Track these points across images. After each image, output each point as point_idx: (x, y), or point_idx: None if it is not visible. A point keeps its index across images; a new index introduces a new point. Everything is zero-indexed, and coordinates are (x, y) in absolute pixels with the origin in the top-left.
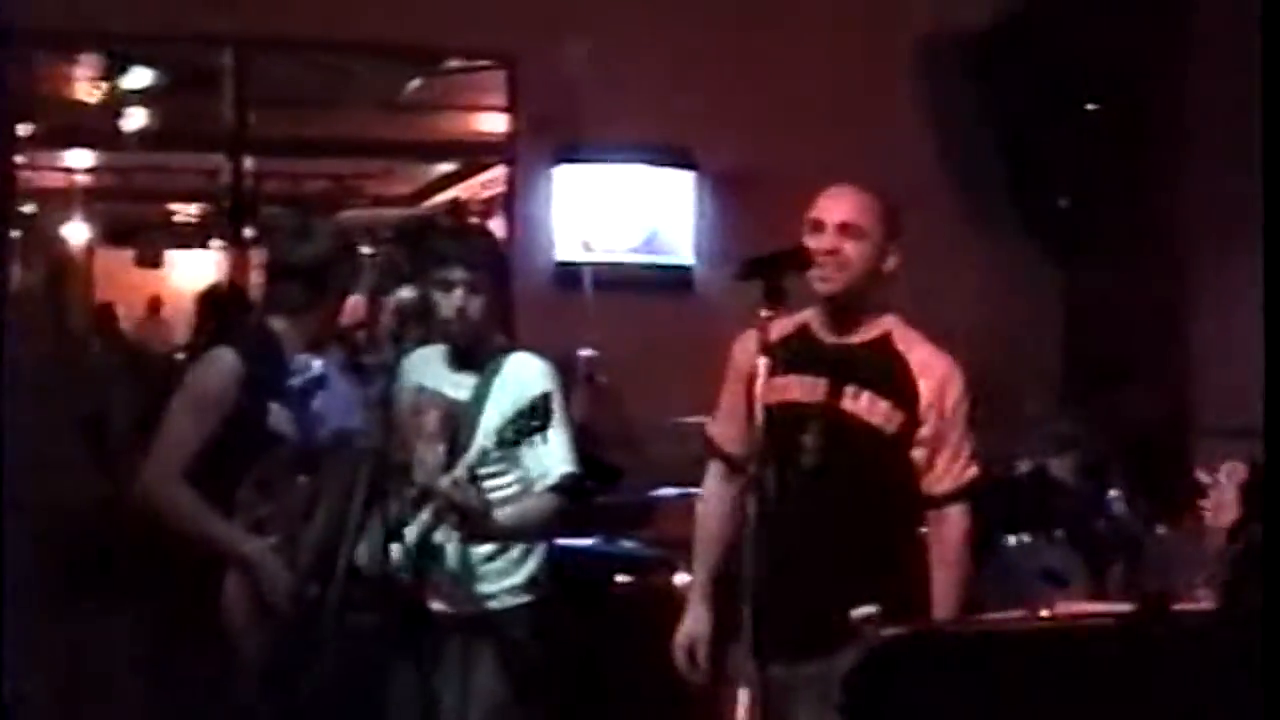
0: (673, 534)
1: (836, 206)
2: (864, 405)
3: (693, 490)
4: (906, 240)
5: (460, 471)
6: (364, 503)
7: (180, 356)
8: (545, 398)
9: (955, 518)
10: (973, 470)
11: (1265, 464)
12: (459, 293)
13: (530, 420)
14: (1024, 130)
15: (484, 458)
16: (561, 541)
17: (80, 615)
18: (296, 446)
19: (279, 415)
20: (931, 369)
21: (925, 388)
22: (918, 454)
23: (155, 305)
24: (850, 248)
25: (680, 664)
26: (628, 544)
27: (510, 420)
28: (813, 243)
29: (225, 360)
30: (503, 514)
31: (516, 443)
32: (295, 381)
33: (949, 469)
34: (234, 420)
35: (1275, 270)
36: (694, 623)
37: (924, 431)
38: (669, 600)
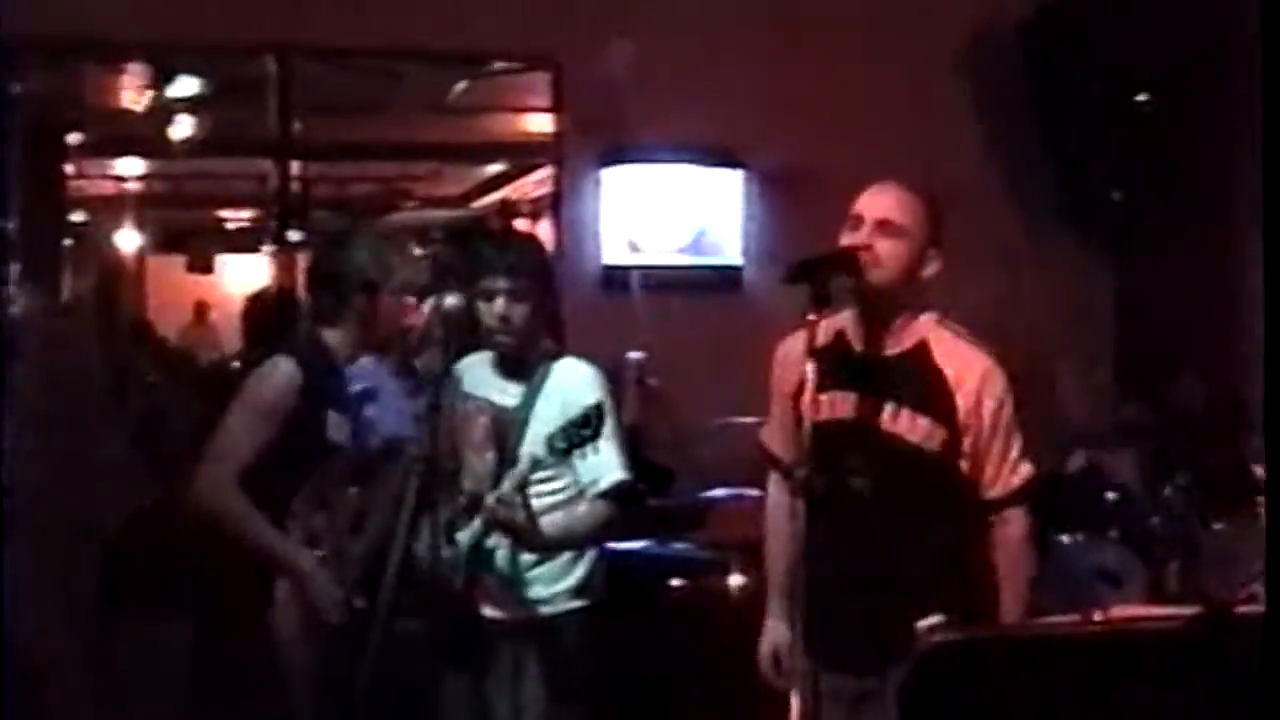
0: (726, 536)
1: (877, 202)
2: (904, 424)
3: (745, 491)
4: (956, 237)
5: (507, 488)
6: (413, 512)
7: (235, 365)
8: (597, 407)
9: (1012, 522)
10: (1024, 472)
11: (1266, 462)
12: (501, 301)
13: (581, 429)
14: (1074, 124)
15: (535, 467)
16: (613, 545)
17: (130, 622)
18: (350, 456)
19: (335, 424)
20: (967, 377)
21: (962, 399)
22: (967, 465)
23: (202, 311)
24: (887, 246)
25: (766, 672)
26: (680, 546)
27: (561, 429)
28: (849, 239)
29: (284, 369)
30: (553, 524)
31: (568, 452)
32: (349, 390)
33: (998, 475)
34: (292, 429)
35: (1275, 269)
36: (775, 632)
37: (966, 442)
38: (723, 603)
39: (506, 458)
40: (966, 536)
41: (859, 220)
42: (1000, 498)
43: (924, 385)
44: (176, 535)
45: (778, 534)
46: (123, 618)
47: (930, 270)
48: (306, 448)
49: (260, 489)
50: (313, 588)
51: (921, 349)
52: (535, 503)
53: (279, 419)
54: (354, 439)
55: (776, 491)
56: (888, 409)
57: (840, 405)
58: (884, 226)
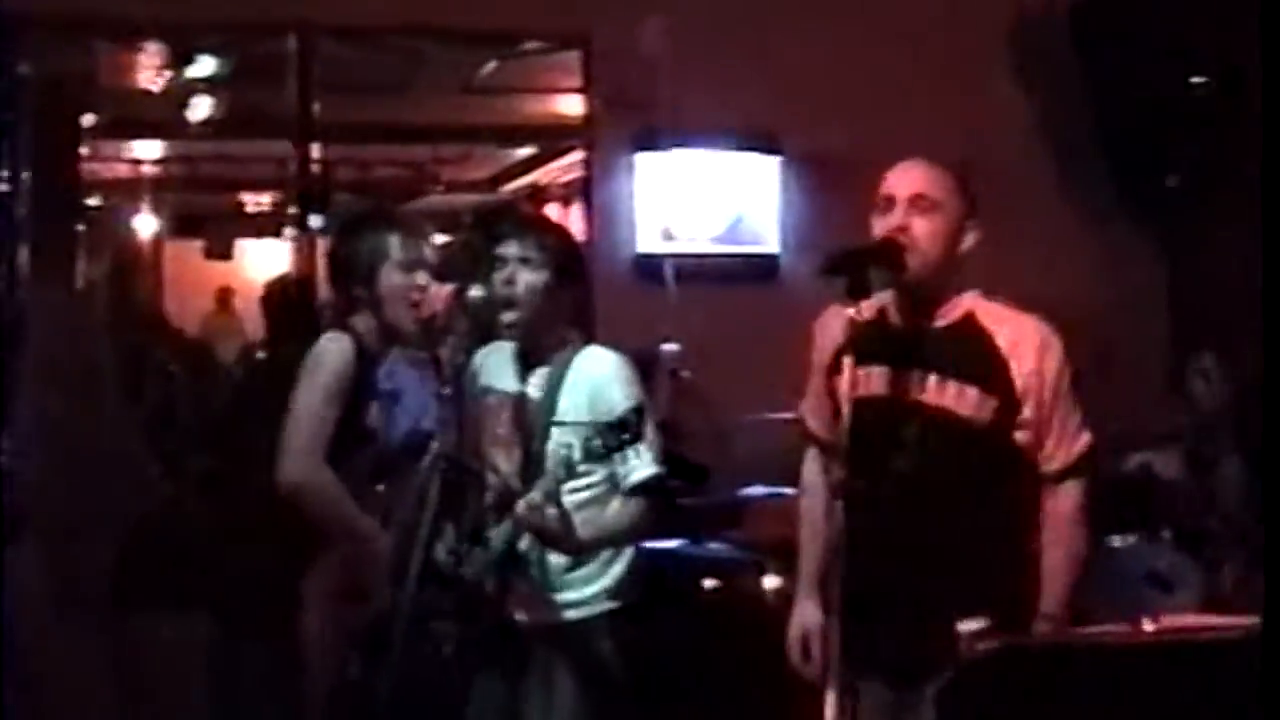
0: (762, 535)
1: (906, 179)
2: (951, 396)
3: (783, 490)
4: (1004, 224)
5: (537, 495)
6: (437, 511)
7: (260, 355)
8: (638, 410)
9: (1069, 495)
10: (1085, 439)
11: (1264, 460)
12: (510, 268)
13: (621, 434)
14: (1127, 108)
15: (569, 472)
16: (647, 545)
17: (144, 624)
18: (380, 450)
19: (373, 413)
20: (1024, 344)
21: (1019, 366)
22: (1022, 436)
23: (225, 298)
24: (924, 223)
25: (794, 658)
26: (715, 546)
27: (600, 433)
28: (881, 223)
29: (344, 345)
30: (587, 524)
31: (606, 457)
32: (382, 381)
33: (1060, 444)
34: (345, 410)
35: (1275, 269)
36: (803, 615)
37: (1026, 413)
38: (758, 605)
39: (532, 452)
40: (1017, 516)
41: (890, 201)
42: (1061, 469)
43: (972, 354)
44: (190, 534)
45: (812, 511)
46: (135, 620)
47: (969, 242)
48: (348, 435)
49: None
50: (372, 552)
51: (968, 319)
52: (567, 499)
53: (346, 394)
54: (384, 432)
55: (812, 468)
56: (932, 381)
57: (880, 380)
58: (917, 202)
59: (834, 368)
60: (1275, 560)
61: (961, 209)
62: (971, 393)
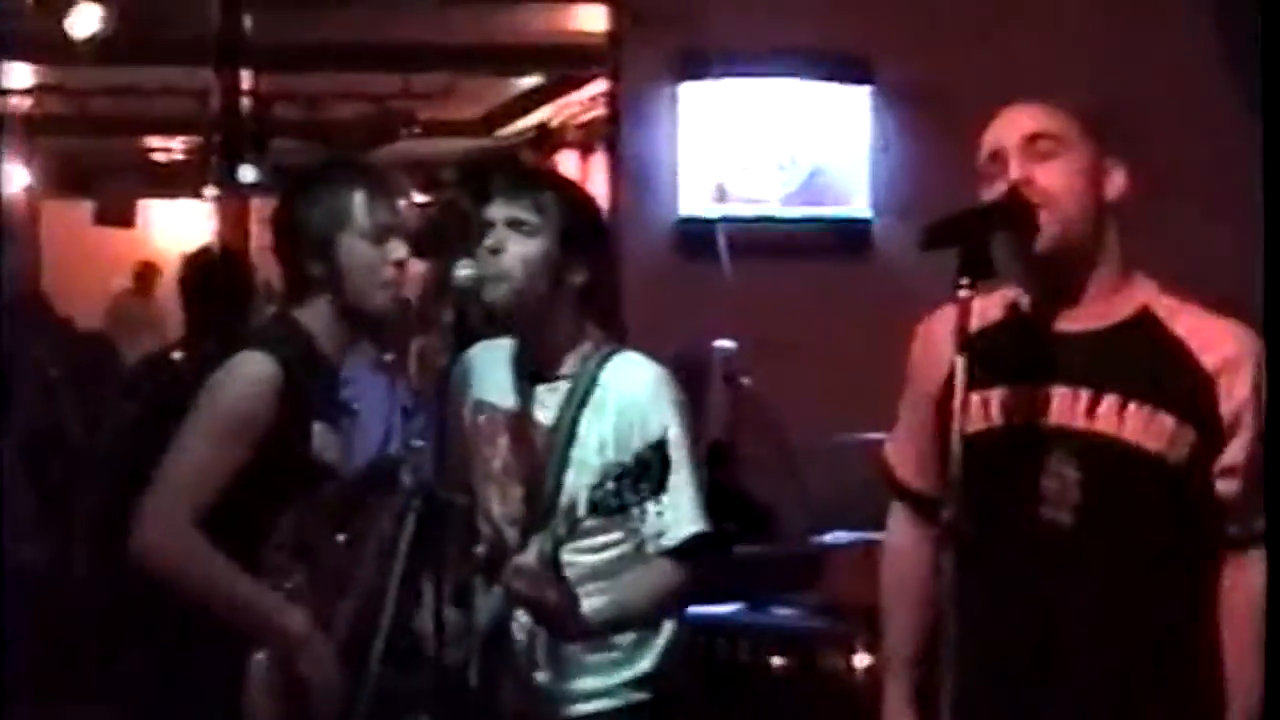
0: (847, 596)
1: (1015, 122)
2: (1135, 424)
3: (874, 535)
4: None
5: (530, 558)
6: (408, 566)
7: (174, 357)
8: (659, 446)
9: (1255, 565)
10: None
11: (1265, 459)
12: (497, 232)
13: (639, 480)
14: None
15: (572, 528)
16: (694, 611)
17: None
18: (338, 487)
19: (324, 440)
20: (1235, 360)
21: (1229, 389)
22: (1225, 486)
23: (146, 277)
24: (1051, 170)
25: None
26: (784, 612)
27: (614, 478)
28: (993, 187)
29: (256, 367)
30: (600, 597)
31: (621, 509)
32: (339, 394)
33: (1256, 498)
34: (267, 450)
35: (1276, 268)
36: None
37: (1235, 450)
38: (843, 689)
39: (536, 494)
40: (1204, 594)
41: (999, 155)
42: (1254, 533)
43: (1162, 366)
44: (81, 603)
45: (903, 594)
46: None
47: (1116, 186)
48: (285, 475)
49: (222, 532)
50: (306, 658)
51: (1147, 318)
52: (578, 561)
53: (252, 436)
54: (346, 462)
55: (900, 530)
56: (1106, 403)
57: (1017, 404)
58: (1035, 145)
59: (945, 395)
60: (1275, 560)
61: (1094, 144)
62: (1165, 421)
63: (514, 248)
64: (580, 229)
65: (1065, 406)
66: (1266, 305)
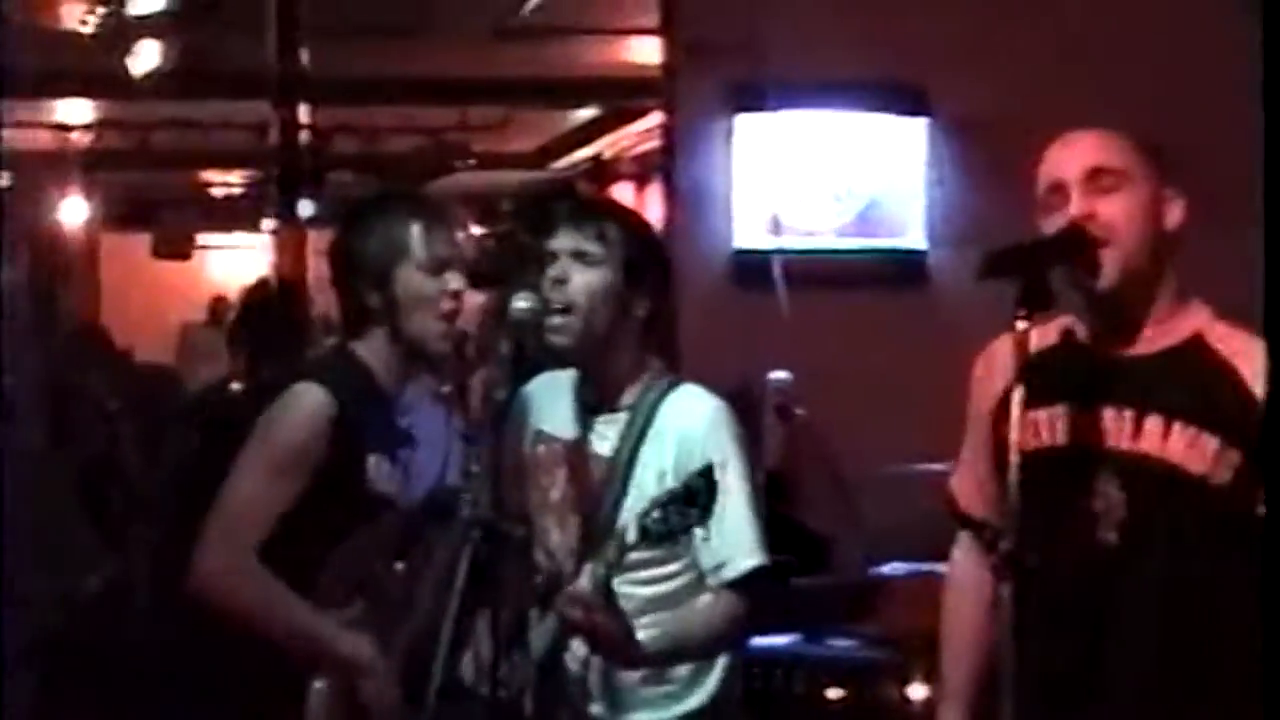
0: (904, 627)
1: (1077, 153)
2: (1178, 445)
3: (932, 567)
4: (1197, 215)
5: (584, 585)
6: (464, 598)
7: (233, 388)
8: (705, 475)
9: None
10: None
11: (1265, 460)
12: (562, 264)
13: (686, 506)
14: None
15: (621, 556)
16: (750, 642)
17: None
18: (399, 517)
19: (381, 472)
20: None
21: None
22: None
23: (218, 311)
24: (1112, 205)
25: None
26: (842, 643)
27: (660, 505)
28: (1053, 219)
29: (312, 399)
30: (658, 628)
31: (669, 538)
32: (397, 426)
33: None
34: (323, 482)
35: (1276, 267)
36: None
37: None
38: None
39: (595, 524)
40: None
41: (1058, 187)
42: None
43: (1208, 389)
44: (139, 632)
45: (962, 624)
46: None
47: (1175, 218)
48: (341, 506)
49: (278, 562)
50: (370, 687)
51: (1197, 343)
52: (636, 592)
53: (308, 468)
54: (404, 494)
55: (963, 561)
56: (1150, 423)
57: (1066, 423)
58: (1098, 178)
59: (1000, 416)
60: (1276, 560)
61: (1155, 176)
62: (1210, 443)
63: (578, 278)
64: (643, 259)
65: (1112, 427)
66: (1267, 305)
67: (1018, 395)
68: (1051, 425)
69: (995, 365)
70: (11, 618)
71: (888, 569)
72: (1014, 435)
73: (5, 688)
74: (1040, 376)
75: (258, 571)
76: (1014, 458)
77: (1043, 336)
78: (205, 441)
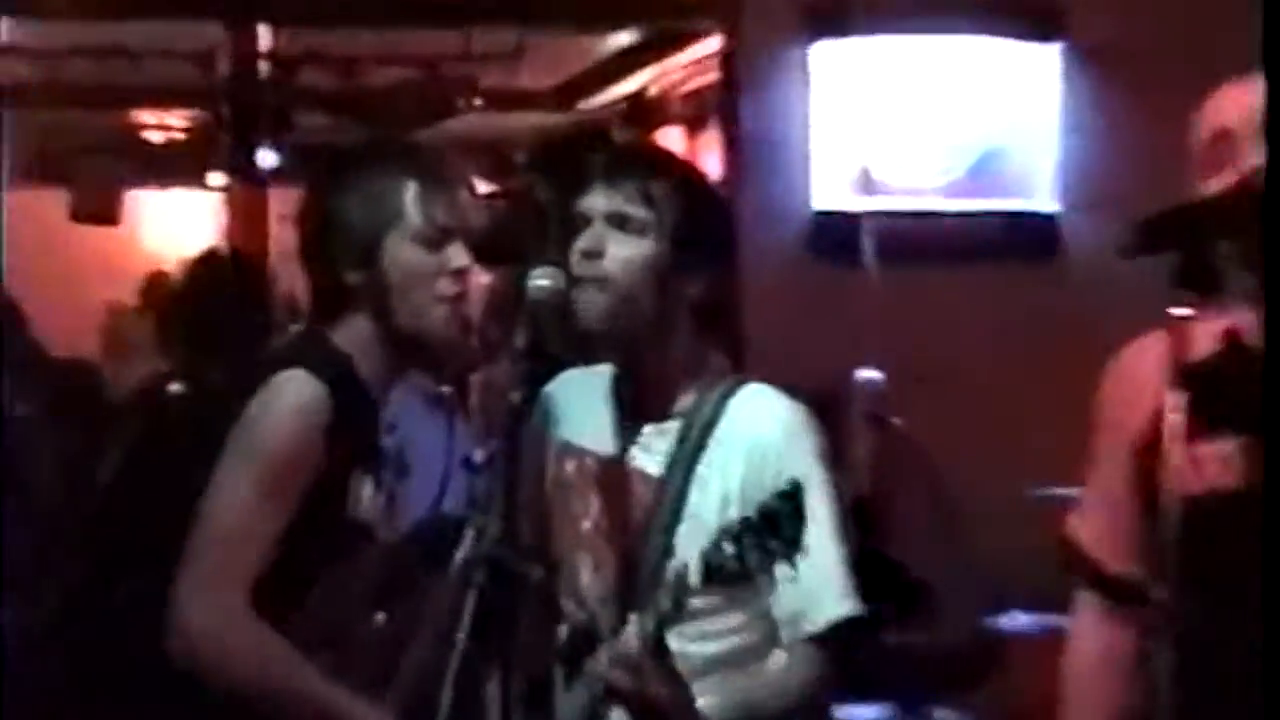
0: (1031, 694)
1: (1245, 102)
2: None
3: (1062, 620)
4: None
5: (630, 642)
6: (469, 654)
7: (173, 389)
8: (792, 494)
9: None
10: None
11: (1265, 461)
12: (595, 234)
13: (766, 538)
14: None
15: (679, 603)
16: (837, 713)
17: None
18: (381, 551)
19: (363, 494)
20: None
21: None
22: None
23: (154, 290)
24: None
25: None
26: (947, 715)
27: (731, 535)
28: (1221, 176)
29: (305, 391)
30: (720, 694)
31: (744, 576)
32: (379, 438)
33: None
34: (304, 503)
35: (1275, 268)
36: None
37: None
38: None
39: (639, 561)
40: None
41: (1225, 136)
42: None
43: None
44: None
45: (1092, 701)
46: None
47: None
48: (317, 536)
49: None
50: None
51: None
52: (693, 651)
53: (301, 481)
54: (387, 521)
55: (1088, 621)
56: None
57: (1241, 460)
58: None
59: (1149, 444)
60: (1276, 559)
61: None
62: None
63: (615, 249)
64: (700, 228)
65: None
66: (1267, 306)
67: (1179, 406)
68: (1222, 461)
69: (1137, 381)
70: None
71: (1006, 622)
72: (1174, 467)
73: None
74: (1203, 396)
75: (256, 624)
76: (1175, 501)
77: (1197, 342)
78: (137, 457)
